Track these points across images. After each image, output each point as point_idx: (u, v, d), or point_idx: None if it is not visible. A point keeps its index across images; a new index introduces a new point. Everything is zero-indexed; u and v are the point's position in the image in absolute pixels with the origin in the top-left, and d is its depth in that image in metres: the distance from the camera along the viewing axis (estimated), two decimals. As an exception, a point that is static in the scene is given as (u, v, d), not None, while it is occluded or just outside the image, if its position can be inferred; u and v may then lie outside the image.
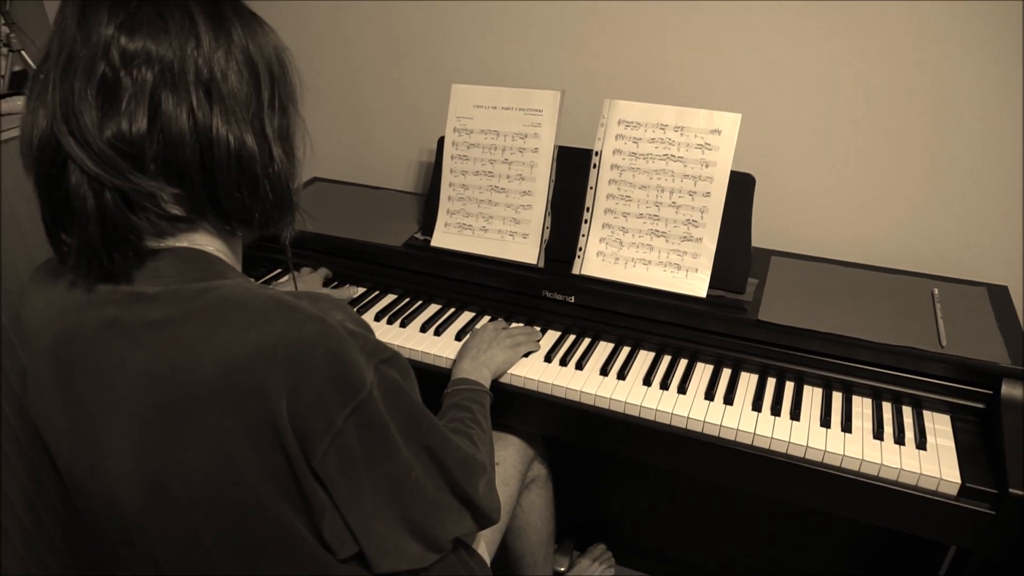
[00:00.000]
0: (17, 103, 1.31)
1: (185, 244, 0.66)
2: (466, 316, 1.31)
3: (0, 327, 1.16)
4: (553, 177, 1.25)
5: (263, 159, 0.65)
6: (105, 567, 0.74)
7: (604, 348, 1.22)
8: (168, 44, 0.59)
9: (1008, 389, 1.00)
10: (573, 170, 1.25)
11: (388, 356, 0.65)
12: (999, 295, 1.17)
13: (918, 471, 0.96)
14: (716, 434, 1.06)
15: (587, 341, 1.23)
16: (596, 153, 1.22)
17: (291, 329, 0.59)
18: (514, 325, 1.26)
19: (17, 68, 1.44)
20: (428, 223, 1.36)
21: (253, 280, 0.69)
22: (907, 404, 1.08)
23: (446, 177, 1.33)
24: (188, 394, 0.59)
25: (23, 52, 1.42)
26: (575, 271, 1.24)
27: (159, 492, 0.63)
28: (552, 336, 1.25)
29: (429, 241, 1.34)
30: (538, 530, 1.29)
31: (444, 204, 1.33)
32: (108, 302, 0.63)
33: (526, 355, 1.19)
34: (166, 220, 0.63)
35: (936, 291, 1.17)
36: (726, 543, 1.56)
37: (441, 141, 1.33)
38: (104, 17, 0.58)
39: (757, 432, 1.03)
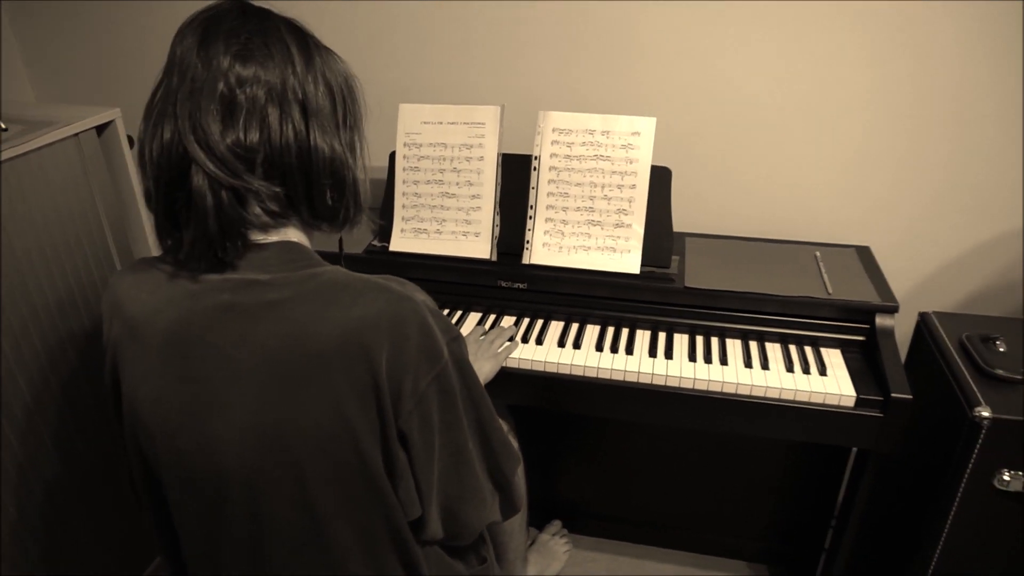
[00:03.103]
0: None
1: (282, 238, 0.77)
2: (428, 312, 1.45)
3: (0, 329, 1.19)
4: (499, 181, 1.42)
5: (345, 165, 0.78)
6: (175, 544, 0.79)
7: (557, 326, 1.39)
8: (273, 70, 0.72)
9: (881, 321, 1.27)
10: (516, 174, 1.43)
11: (456, 335, 0.78)
12: (864, 253, 1.46)
13: (824, 391, 1.19)
14: (663, 383, 1.25)
15: (541, 322, 1.40)
16: (535, 158, 1.40)
17: (389, 306, 0.71)
18: (506, 322, 1.40)
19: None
20: (385, 231, 1.48)
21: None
22: (808, 344, 1.32)
23: (399, 187, 1.47)
24: (308, 360, 0.70)
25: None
26: (525, 261, 1.41)
27: (275, 450, 0.71)
28: (509, 320, 1.41)
29: (388, 247, 1.47)
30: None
31: (399, 212, 1.47)
32: (221, 289, 0.73)
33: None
34: (268, 215, 0.74)
35: (818, 254, 1.44)
36: (664, 495, 1.75)
37: (392, 156, 1.47)
38: (221, 47, 0.71)
39: (696, 377, 1.24)
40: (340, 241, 0.89)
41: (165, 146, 0.70)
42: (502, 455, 0.85)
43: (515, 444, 1.42)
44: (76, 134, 1.33)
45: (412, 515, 0.78)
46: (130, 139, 1.53)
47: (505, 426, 1.35)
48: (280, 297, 0.71)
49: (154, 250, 1.58)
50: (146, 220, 1.55)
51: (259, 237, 0.76)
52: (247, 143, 0.70)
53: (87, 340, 1.40)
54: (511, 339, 1.34)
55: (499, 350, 1.30)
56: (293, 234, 0.79)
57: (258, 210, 0.74)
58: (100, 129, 1.43)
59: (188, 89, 0.70)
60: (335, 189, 0.78)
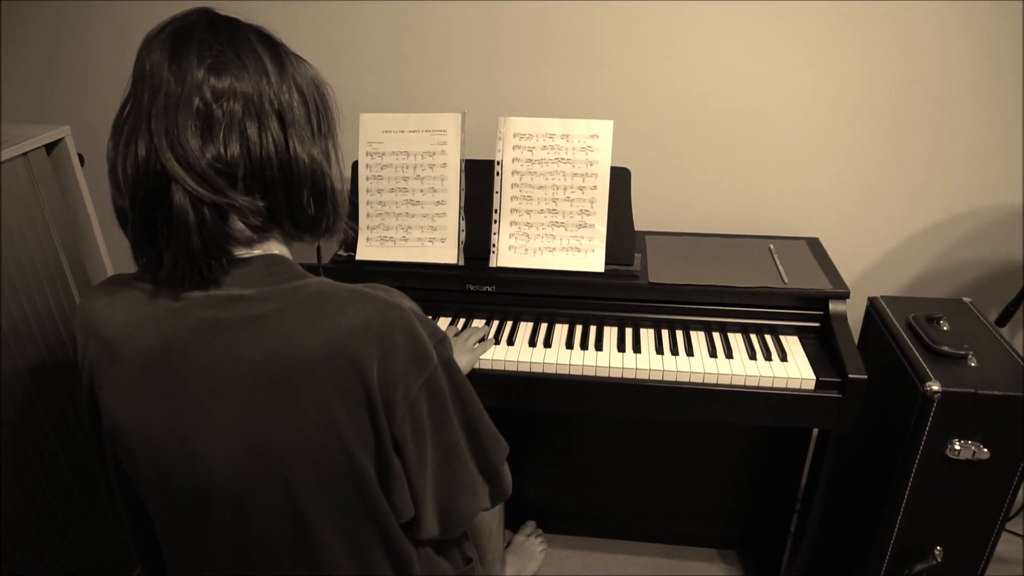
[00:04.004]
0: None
1: (265, 251, 0.76)
2: (397, 319, 1.45)
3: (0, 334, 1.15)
4: (463, 187, 1.44)
5: (323, 174, 0.77)
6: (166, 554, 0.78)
7: (526, 326, 1.42)
8: (248, 81, 0.71)
9: (834, 307, 1.33)
10: (480, 179, 1.45)
11: (442, 337, 0.79)
12: (814, 244, 1.53)
13: (785, 376, 1.25)
14: (634, 377, 1.29)
15: (510, 323, 1.43)
16: (498, 163, 1.43)
17: (376, 314, 0.71)
18: (474, 325, 1.42)
19: None
20: (350, 240, 1.48)
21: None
22: (767, 332, 1.38)
23: (363, 196, 1.47)
24: (294, 370, 0.69)
25: None
26: (492, 264, 1.43)
27: (262, 461, 0.71)
28: (479, 323, 1.43)
29: (354, 256, 1.47)
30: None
31: (364, 221, 1.47)
32: (203, 306, 0.72)
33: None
34: (251, 230, 0.73)
35: (772, 246, 1.50)
36: (633, 489, 1.79)
37: (355, 165, 1.47)
38: (194, 61, 0.69)
39: (665, 369, 1.28)
40: (319, 250, 0.89)
41: (141, 164, 0.68)
42: (491, 447, 0.87)
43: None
44: (25, 153, 1.29)
45: (404, 517, 0.79)
46: (80, 157, 1.49)
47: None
48: (265, 311, 0.71)
49: (110, 269, 1.54)
50: (101, 240, 1.52)
51: (242, 252, 0.75)
52: (228, 158, 0.69)
53: (42, 363, 1.36)
54: (483, 338, 1.36)
55: (474, 346, 1.32)
56: (275, 247, 0.78)
57: (240, 225, 0.73)
58: (49, 147, 1.39)
59: (162, 105, 0.68)
60: (316, 199, 0.77)
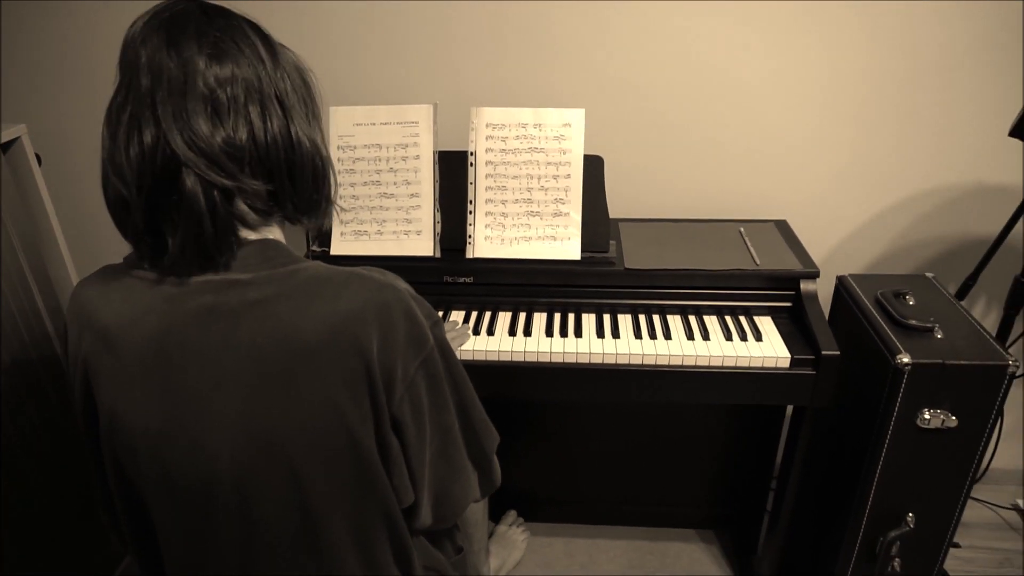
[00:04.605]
0: None
1: (263, 236, 0.76)
2: (374, 313, 1.44)
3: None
4: (437, 178, 1.43)
5: (326, 157, 0.78)
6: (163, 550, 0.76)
7: (505, 316, 1.42)
8: (247, 67, 0.71)
9: (805, 286, 1.37)
10: (454, 170, 1.44)
11: (437, 319, 0.79)
12: (783, 226, 1.56)
13: (762, 355, 1.28)
14: (614, 362, 1.30)
15: (489, 313, 1.43)
16: (471, 154, 1.43)
17: (373, 295, 0.72)
18: (455, 316, 1.41)
19: None
20: (324, 235, 1.47)
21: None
22: (741, 314, 1.40)
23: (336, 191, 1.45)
24: (295, 356, 0.69)
25: None
26: (468, 255, 1.43)
27: (266, 450, 0.70)
28: (458, 315, 1.43)
29: (328, 251, 1.45)
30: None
31: (337, 215, 1.45)
32: (202, 292, 0.71)
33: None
34: (256, 213, 0.74)
35: (742, 229, 1.53)
36: (611, 474, 1.81)
37: (325, 159, 1.45)
38: (194, 47, 0.69)
39: (644, 353, 1.30)
40: (307, 235, 0.88)
41: (148, 150, 0.68)
42: (483, 434, 0.87)
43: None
44: (-20, 152, 1.25)
45: (406, 502, 0.79)
46: (38, 157, 1.44)
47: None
48: (263, 296, 0.71)
49: (72, 269, 1.50)
50: (62, 239, 1.47)
51: (247, 235, 0.75)
52: (237, 142, 0.70)
53: (6, 370, 1.31)
54: (444, 319, 1.37)
55: (455, 335, 1.32)
56: (272, 232, 0.78)
57: (245, 208, 0.73)
58: (5, 147, 1.34)
59: (167, 90, 0.68)
60: (316, 182, 0.78)
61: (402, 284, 0.77)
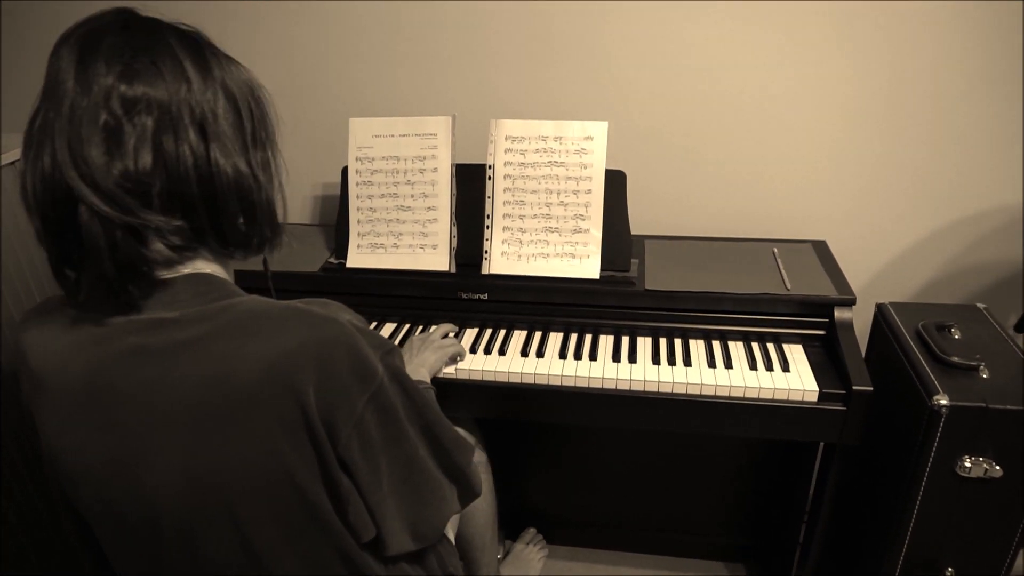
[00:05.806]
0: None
1: (191, 270, 0.71)
2: (388, 327, 1.42)
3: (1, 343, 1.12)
4: (454, 191, 1.40)
5: (256, 187, 0.72)
6: None
7: (519, 335, 1.38)
8: (164, 89, 0.65)
9: (840, 314, 1.27)
10: (471, 183, 1.41)
11: (390, 348, 0.75)
12: (821, 248, 1.47)
13: (787, 387, 1.19)
14: (628, 388, 1.24)
15: (503, 331, 1.39)
16: (490, 167, 1.39)
17: (312, 331, 0.67)
18: (469, 334, 1.38)
19: None
20: (340, 248, 1.45)
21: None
22: (770, 341, 1.32)
23: (353, 203, 1.44)
24: (231, 400, 0.65)
25: None
26: (484, 271, 1.40)
27: (207, 494, 0.68)
28: (472, 332, 1.39)
29: (344, 264, 1.44)
30: (484, 512, 1.40)
31: (355, 227, 1.44)
32: (127, 332, 0.68)
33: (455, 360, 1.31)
34: (172, 250, 0.68)
35: (776, 250, 1.45)
36: (635, 498, 1.74)
37: (344, 171, 1.44)
38: (102, 68, 0.64)
39: (661, 380, 1.23)
40: (265, 262, 0.84)
41: (46, 181, 0.63)
42: (455, 451, 0.83)
43: (483, 456, 1.41)
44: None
45: (365, 537, 0.75)
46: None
47: (471, 439, 1.34)
48: (194, 335, 0.67)
49: (10, 301, 1.42)
50: (23, 260, 1.43)
51: (165, 273, 0.70)
52: (138, 174, 0.64)
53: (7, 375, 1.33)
54: (458, 336, 1.33)
55: (444, 343, 1.28)
56: (203, 265, 0.73)
57: (159, 245, 0.68)
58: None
59: (67, 117, 0.63)
60: (246, 214, 0.72)
61: (346, 315, 0.71)
